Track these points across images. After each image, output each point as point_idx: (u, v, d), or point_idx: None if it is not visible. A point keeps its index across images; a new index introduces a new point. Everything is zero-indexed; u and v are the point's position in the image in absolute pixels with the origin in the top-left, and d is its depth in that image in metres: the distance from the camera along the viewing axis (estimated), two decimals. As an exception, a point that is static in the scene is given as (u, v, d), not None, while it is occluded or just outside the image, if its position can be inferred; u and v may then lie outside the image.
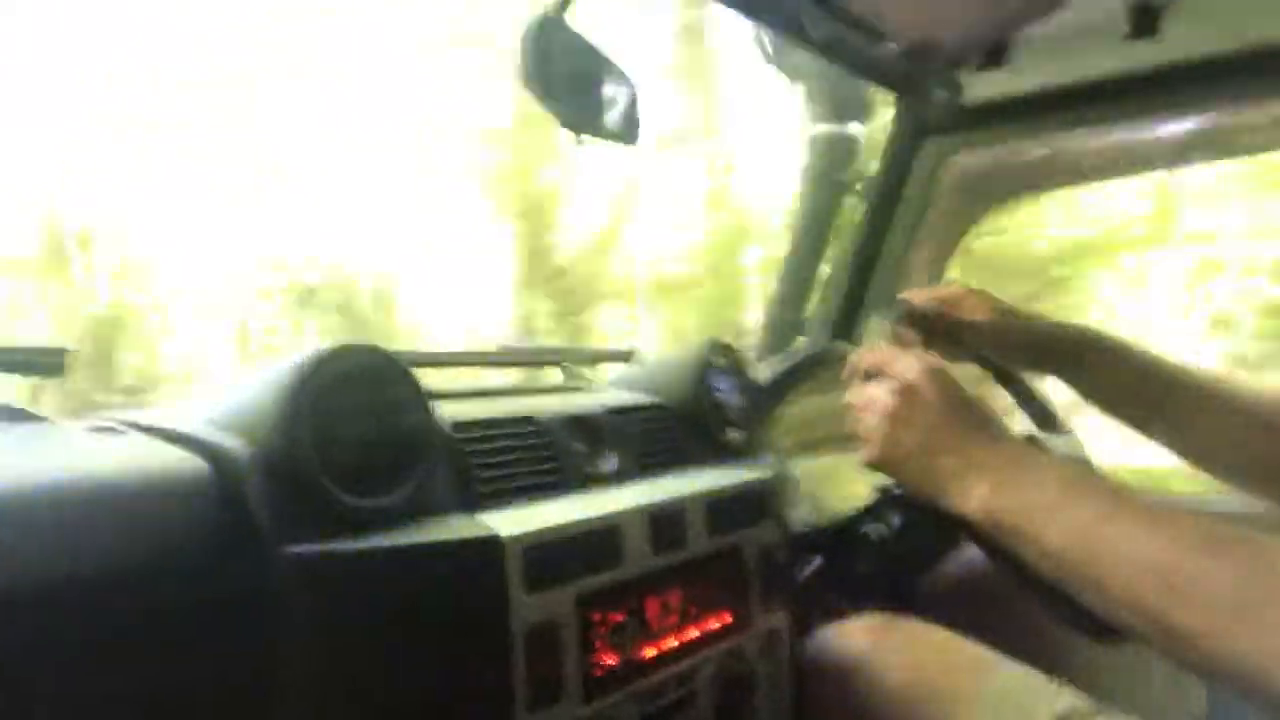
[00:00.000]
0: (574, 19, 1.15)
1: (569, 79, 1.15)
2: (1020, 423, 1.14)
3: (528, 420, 1.00)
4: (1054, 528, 0.77)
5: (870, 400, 0.89)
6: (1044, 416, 1.16)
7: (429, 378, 0.90)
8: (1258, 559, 0.67)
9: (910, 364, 0.88)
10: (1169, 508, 0.74)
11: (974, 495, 0.81)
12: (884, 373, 0.89)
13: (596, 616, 0.91)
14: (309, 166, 4.55)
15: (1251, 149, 1.75)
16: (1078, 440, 1.12)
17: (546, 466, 0.98)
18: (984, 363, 1.13)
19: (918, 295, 1.11)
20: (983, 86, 1.63)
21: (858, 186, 1.74)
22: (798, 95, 1.79)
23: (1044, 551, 0.78)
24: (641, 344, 1.48)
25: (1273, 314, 3.89)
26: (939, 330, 1.08)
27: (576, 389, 1.26)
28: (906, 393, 0.86)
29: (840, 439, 1.45)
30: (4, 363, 0.85)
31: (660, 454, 1.13)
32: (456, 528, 0.83)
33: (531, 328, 4.67)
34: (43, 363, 0.86)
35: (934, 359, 0.89)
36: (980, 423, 0.85)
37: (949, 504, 0.84)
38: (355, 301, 4.60)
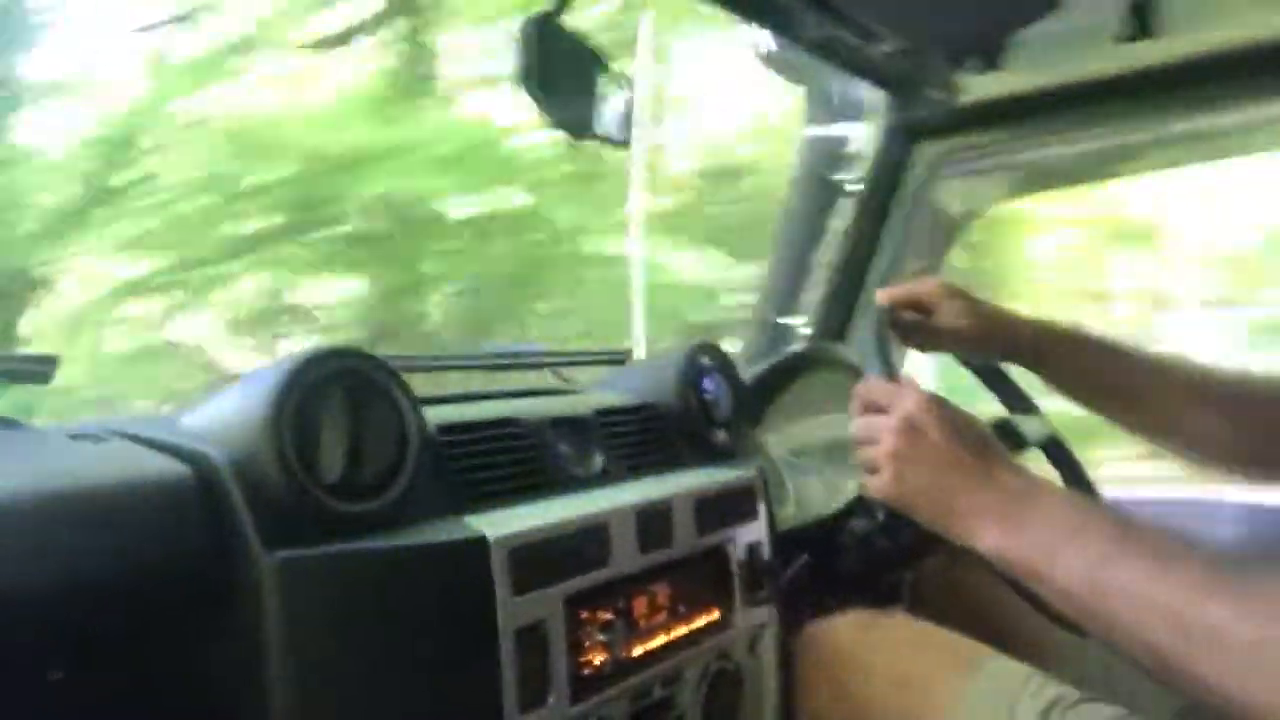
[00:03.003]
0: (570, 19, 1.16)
1: (565, 80, 1.16)
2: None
3: (513, 422, 1.01)
4: (1061, 569, 0.78)
5: (875, 434, 0.91)
6: (1017, 401, 1.18)
7: (415, 382, 0.90)
8: (1273, 606, 0.68)
9: (911, 398, 0.90)
10: (1173, 539, 0.75)
11: (983, 536, 0.84)
12: (885, 407, 0.91)
13: (584, 616, 0.92)
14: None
15: (1249, 149, 1.74)
16: (1048, 421, 1.14)
17: (533, 468, 0.99)
18: (959, 357, 1.15)
19: (894, 293, 1.11)
20: (978, 87, 1.63)
21: (852, 188, 1.74)
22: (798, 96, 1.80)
23: (1055, 591, 0.80)
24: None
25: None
26: (917, 331, 1.10)
27: (563, 391, 1.27)
28: (909, 430, 0.88)
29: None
30: (-4, 370, 0.86)
31: (648, 454, 1.13)
32: (443, 530, 0.84)
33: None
34: (33, 370, 0.87)
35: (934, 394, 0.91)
36: (985, 459, 0.87)
37: (959, 542, 0.87)
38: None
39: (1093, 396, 1.13)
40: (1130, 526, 0.77)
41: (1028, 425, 1.12)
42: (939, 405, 0.89)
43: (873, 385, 0.95)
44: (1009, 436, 1.06)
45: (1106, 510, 0.82)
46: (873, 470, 0.91)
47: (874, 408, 0.93)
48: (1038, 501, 0.83)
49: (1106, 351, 1.12)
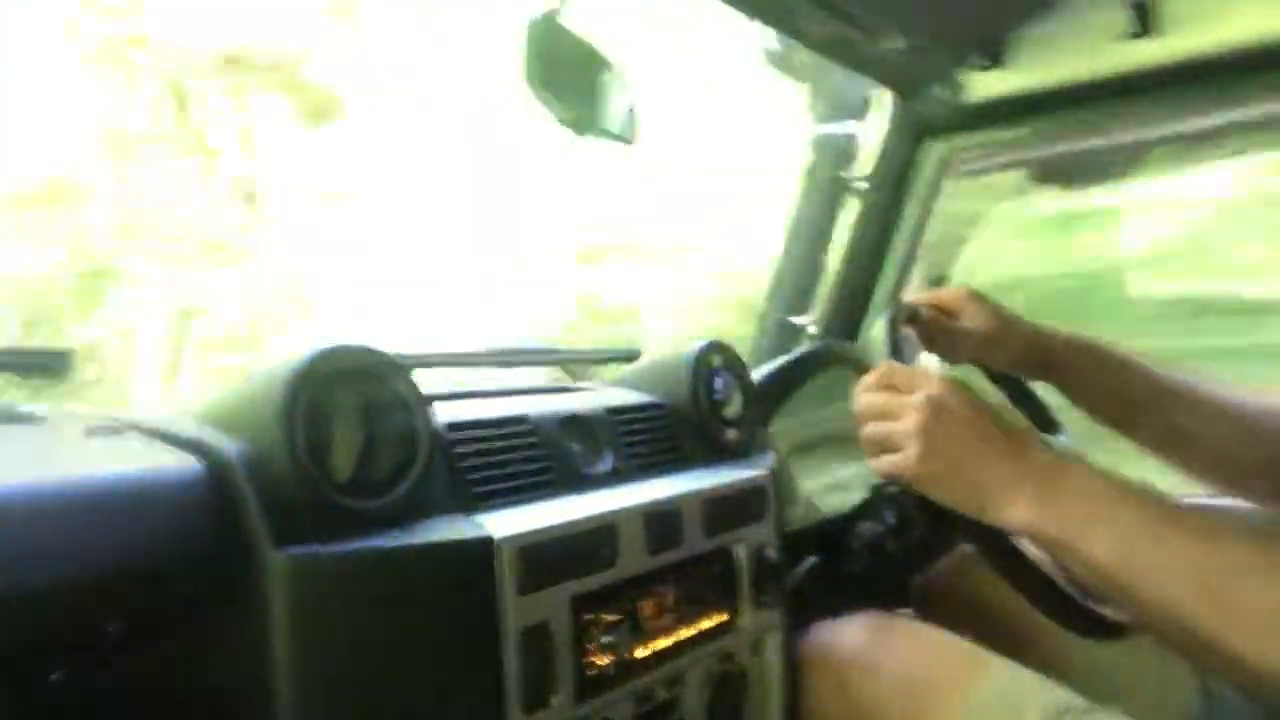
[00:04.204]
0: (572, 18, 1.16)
1: (568, 78, 1.16)
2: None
3: (523, 420, 1.01)
4: (1096, 541, 0.78)
5: (895, 412, 0.89)
6: (1041, 418, 1.17)
7: (424, 378, 0.90)
8: None
9: (937, 380, 0.88)
10: (1210, 516, 0.74)
11: (1015, 509, 0.82)
12: (906, 388, 0.89)
13: (590, 617, 0.92)
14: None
15: (1252, 148, 1.75)
16: (1069, 443, 1.13)
17: (541, 466, 0.99)
18: (983, 367, 1.15)
19: (918, 299, 1.11)
20: (983, 85, 1.63)
21: (861, 186, 1.74)
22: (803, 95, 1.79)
23: (1088, 565, 0.79)
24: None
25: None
26: (938, 335, 1.09)
27: (573, 389, 1.27)
28: (936, 409, 0.86)
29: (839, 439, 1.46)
30: (8, 364, 0.86)
31: (657, 454, 1.13)
32: (451, 529, 0.84)
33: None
34: (47, 364, 0.87)
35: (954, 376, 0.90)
36: (1013, 436, 0.86)
37: (990, 519, 0.85)
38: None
39: (1116, 412, 1.12)
40: (1166, 503, 0.77)
41: (1053, 444, 1.11)
42: (965, 388, 0.88)
43: (894, 368, 0.93)
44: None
45: (1140, 488, 0.81)
46: (888, 448, 0.89)
47: (893, 388, 0.91)
48: (1070, 476, 0.82)
49: (1132, 367, 1.11)
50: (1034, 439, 0.87)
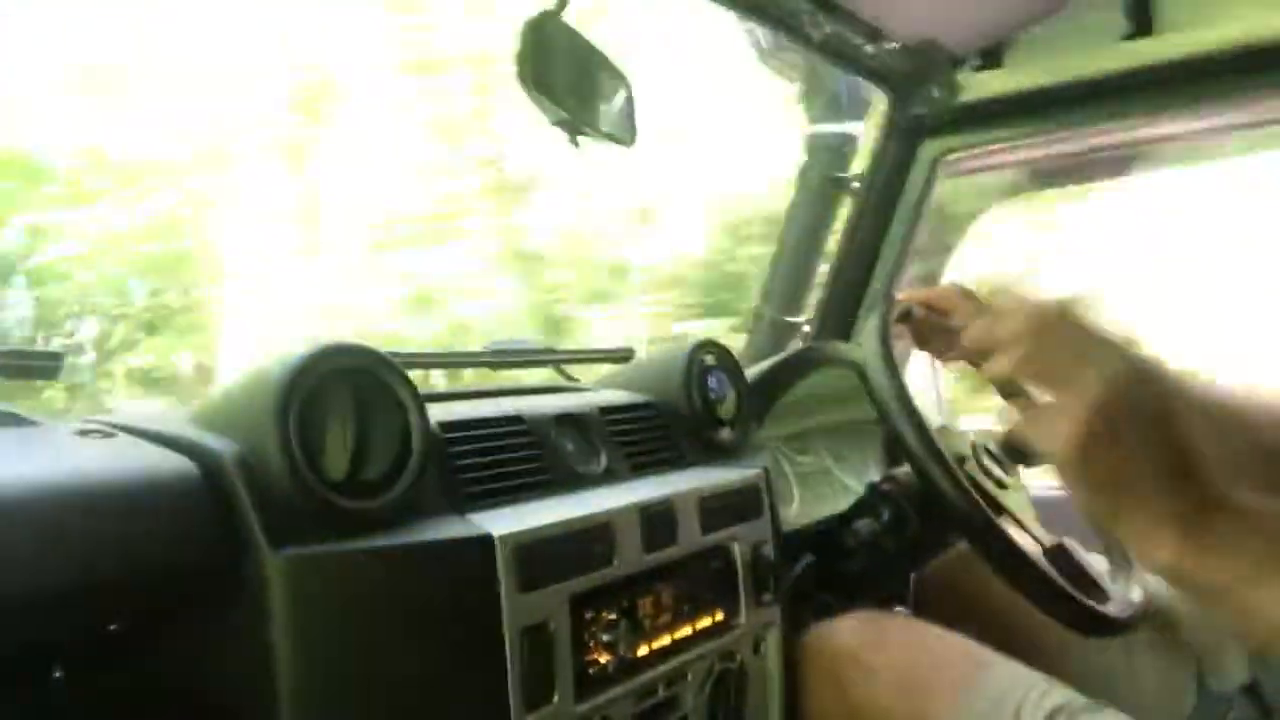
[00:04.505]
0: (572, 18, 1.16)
1: (566, 78, 1.16)
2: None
3: (518, 420, 1.01)
4: (1269, 592, 0.65)
5: (1064, 380, 0.68)
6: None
7: (419, 379, 0.90)
8: None
9: (1117, 352, 0.68)
10: None
11: (1166, 546, 0.67)
12: (1078, 350, 0.68)
13: (589, 615, 0.92)
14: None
15: (1250, 148, 1.75)
16: None
17: (537, 466, 0.99)
18: (974, 365, 1.15)
19: (911, 296, 1.11)
20: (980, 85, 1.63)
21: (855, 186, 1.74)
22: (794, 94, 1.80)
23: (1255, 617, 0.67)
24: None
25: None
26: (930, 333, 1.09)
27: (568, 388, 1.27)
28: (1119, 390, 0.66)
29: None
30: (2, 366, 0.86)
31: (652, 453, 1.13)
32: (448, 528, 0.83)
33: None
34: (40, 366, 0.86)
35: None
36: (1188, 449, 0.69)
37: (1131, 547, 0.70)
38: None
39: None
40: None
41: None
42: (1152, 369, 0.69)
43: (1073, 311, 0.70)
44: (1023, 449, 1.04)
45: None
46: (1035, 416, 0.69)
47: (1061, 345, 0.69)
48: (1236, 514, 0.67)
49: None
50: (1204, 464, 0.68)
